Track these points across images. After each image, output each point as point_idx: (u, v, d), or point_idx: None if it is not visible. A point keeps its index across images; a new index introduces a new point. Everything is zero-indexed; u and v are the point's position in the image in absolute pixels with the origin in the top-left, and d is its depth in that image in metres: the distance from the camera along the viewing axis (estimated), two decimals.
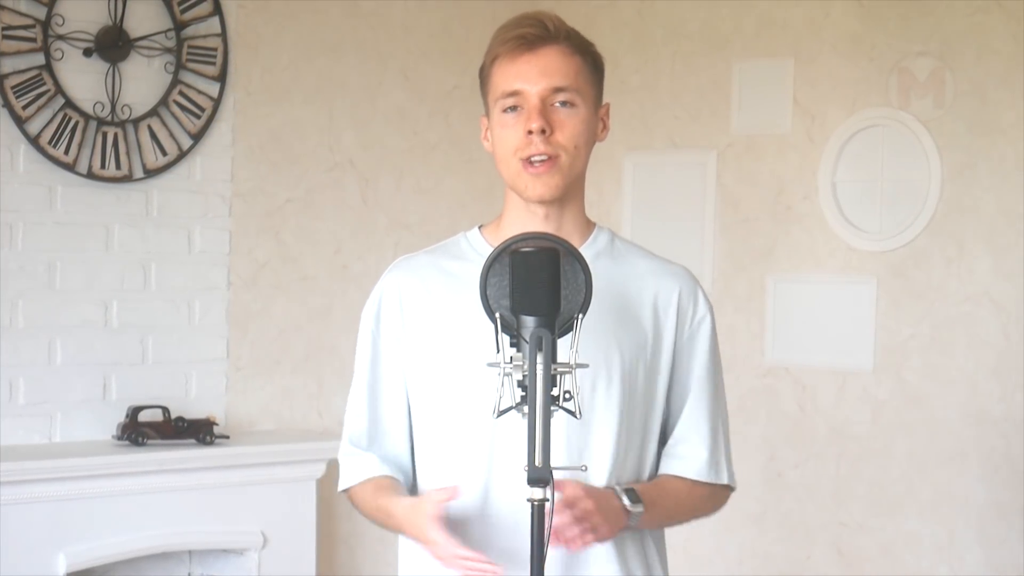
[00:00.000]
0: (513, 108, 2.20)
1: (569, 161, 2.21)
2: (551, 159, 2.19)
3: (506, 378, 1.97)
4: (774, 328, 4.85)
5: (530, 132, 2.17)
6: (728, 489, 2.37)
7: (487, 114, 2.28)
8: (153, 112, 4.43)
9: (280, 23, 4.74)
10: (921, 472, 4.54)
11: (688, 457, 2.30)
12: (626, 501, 2.18)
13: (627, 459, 2.24)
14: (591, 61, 2.25)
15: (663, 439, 2.32)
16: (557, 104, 2.20)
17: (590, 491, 2.12)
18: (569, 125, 2.20)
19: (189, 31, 4.48)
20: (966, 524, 4.45)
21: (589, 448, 2.20)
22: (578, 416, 1.99)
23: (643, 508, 2.19)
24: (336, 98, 4.88)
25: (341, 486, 2.39)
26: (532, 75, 2.19)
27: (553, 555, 2.07)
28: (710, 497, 2.35)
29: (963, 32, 4.47)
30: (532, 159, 2.19)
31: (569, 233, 2.24)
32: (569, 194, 2.25)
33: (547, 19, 2.21)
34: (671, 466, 2.30)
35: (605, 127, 2.29)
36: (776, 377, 4.85)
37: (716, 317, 2.36)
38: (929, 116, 4.52)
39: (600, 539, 2.14)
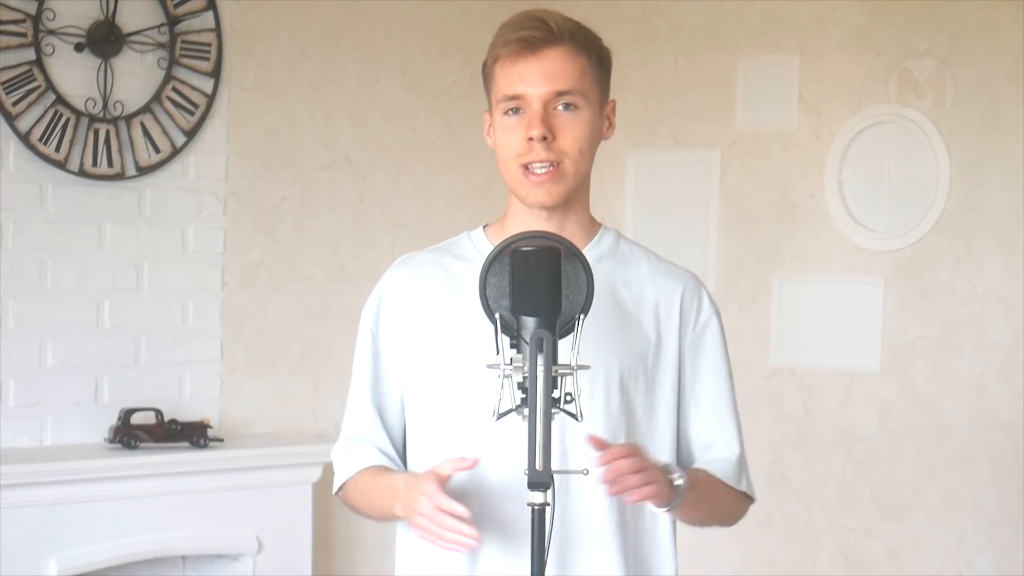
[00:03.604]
0: (515, 111, 2.15)
1: (573, 167, 2.16)
2: (554, 166, 2.14)
3: (506, 380, 1.94)
4: (779, 329, 4.82)
5: (531, 139, 2.13)
6: (747, 500, 2.32)
7: (490, 111, 2.23)
8: (146, 109, 4.39)
9: (275, 18, 4.72)
10: (929, 475, 4.52)
11: (718, 460, 2.26)
12: (675, 475, 2.10)
13: None
14: (596, 59, 2.19)
15: (679, 448, 2.27)
16: (560, 108, 2.14)
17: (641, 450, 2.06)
18: (572, 129, 2.14)
19: (183, 26, 4.45)
20: (975, 528, 4.43)
21: (586, 453, 2.12)
22: (579, 419, 1.95)
23: (687, 484, 2.11)
24: (332, 95, 4.85)
25: (337, 483, 2.33)
26: (534, 78, 2.13)
27: (549, 553, 2.02)
28: (734, 503, 2.30)
29: (971, 28, 4.44)
30: (534, 166, 2.14)
31: (573, 234, 2.19)
32: (573, 196, 2.20)
33: (550, 19, 2.15)
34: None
35: (611, 125, 2.24)
36: (781, 379, 4.82)
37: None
38: (937, 113, 4.48)
39: (655, 499, 2.05)
